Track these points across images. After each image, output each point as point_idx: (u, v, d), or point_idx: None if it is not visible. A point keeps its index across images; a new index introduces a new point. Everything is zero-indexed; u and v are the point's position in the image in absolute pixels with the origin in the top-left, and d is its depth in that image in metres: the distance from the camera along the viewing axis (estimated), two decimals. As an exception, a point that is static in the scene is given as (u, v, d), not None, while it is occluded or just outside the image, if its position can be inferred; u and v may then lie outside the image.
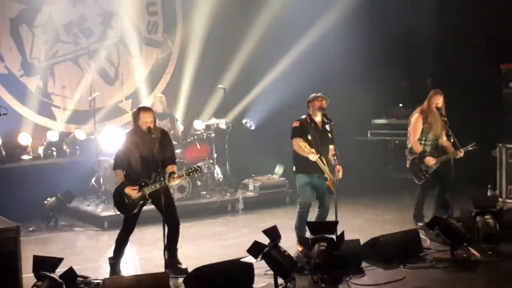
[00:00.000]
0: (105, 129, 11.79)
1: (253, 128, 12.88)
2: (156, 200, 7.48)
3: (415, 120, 9.18)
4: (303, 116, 8.28)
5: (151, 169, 7.50)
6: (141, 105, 8.50)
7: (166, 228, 7.30)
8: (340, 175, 8.00)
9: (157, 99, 11.63)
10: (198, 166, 7.94)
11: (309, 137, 8.08)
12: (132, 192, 7.44)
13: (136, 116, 7.59)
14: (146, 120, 7.49)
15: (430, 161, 9.06)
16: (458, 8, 12.20)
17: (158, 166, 7.39)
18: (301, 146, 7.87)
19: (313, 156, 7.90)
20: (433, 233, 8.47)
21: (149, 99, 12.59)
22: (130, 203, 7.49)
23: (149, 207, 7.74)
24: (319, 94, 8.25)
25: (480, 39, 11.69)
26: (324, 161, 8.08)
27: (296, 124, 8.21)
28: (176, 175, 7.58)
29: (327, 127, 8.25)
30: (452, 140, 9.02)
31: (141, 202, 7.52)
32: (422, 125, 9.12)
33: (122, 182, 7.53)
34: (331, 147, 8.22)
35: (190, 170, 7.80)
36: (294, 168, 8.30)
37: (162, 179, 7.38)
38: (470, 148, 9.16)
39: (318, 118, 8.25)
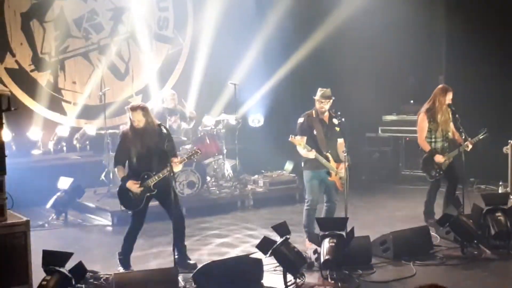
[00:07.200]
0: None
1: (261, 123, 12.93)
2: (161, 194, 7.53)
3: (421, 120, 9.14)
4: (309, 111, 8.24)
5: (153, 161, 7.52)
6: (131, 104, 8.24)
7: (173, 223, 7.35)
8: (342, 172, 7.96)
9: (168, 95, 11.60)
10: (198, 149, 8.01)
11: (315, 132, 8.04)
12: (133, 186, 7.45)
13: (129, 114, 7.62)
14: (134, 119, 7.54)
15: (440, 158, 9.01)
16: (470, 3, 12.12)
17: (159, 158, 7.44)
18: (298, 146, 7.85)
19: (312, 154, 7.88)
20: (443, 230, 8.44)
21: (160, 95, 12.59)
22: (136, 198, 7.50)
23: (156, 202, 7.76)
24: (320, 95, 8.08)
25: (492, 35, 11.60)
26: (330, 157, 8.04)
27: (300, 120, 8.19)
28: (177, 160, 7.59)
29: (334, 121, 8.18)
30: (463, 137, 8.95)
31: (147, 194, 7.52)
32: (428, 124, 9.07)
33: (122, 177, 7.58)
34: (340, 141, 8.17)
35: (190, 154, 7.82)
36: (303, 164, 8.30)
37: (164, 168, 7.37)
38: (482, 137, 9.07)
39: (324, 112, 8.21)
